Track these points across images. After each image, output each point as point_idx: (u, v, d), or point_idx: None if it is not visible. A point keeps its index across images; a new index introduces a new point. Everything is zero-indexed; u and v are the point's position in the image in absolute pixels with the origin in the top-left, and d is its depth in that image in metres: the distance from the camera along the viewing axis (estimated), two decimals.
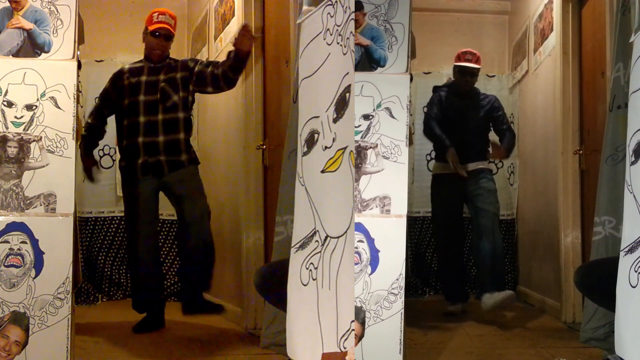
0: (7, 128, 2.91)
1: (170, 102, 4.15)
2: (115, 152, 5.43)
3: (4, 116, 2.93)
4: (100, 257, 5.39)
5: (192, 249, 4.15)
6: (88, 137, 4.35)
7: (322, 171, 2.13)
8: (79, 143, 4.22)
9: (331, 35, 2.15)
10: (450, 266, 4.82)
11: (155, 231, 4.44)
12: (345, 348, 1.95)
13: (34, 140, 2.92)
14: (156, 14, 4.26)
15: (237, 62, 4.03)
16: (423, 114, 5.59)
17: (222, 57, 4.81)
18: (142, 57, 4.33)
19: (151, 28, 4.22)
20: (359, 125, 2.96)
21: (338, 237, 2.03)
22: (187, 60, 4.32)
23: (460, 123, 4.78)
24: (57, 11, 3.02)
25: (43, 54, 2.99)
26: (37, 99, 2.95)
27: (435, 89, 4.97)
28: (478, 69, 4.83)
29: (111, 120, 4.40)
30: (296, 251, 2.25)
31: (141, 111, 4.15)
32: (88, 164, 4.35)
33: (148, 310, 4.24)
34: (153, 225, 4.31)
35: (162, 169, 4.14)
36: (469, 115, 4.82)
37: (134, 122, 4.17)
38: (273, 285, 2.70)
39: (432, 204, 5.00)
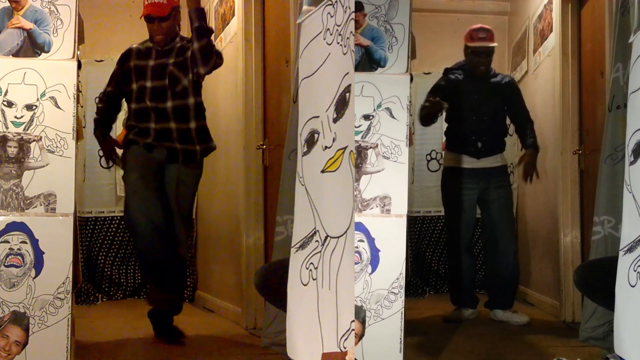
0: (7, 128, 2.91)
1: (180, 87, 3.83)
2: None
3: (4, 116, 2.93)
4: (100, 257, 5.39)
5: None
6: (100, 120, 4.08)
7: (322, 171, 2.13)
8: (93, 131, 4.08)
9: (331, 35, 2.15)
10: (464, 271, 4.43)
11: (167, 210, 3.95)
12: (345, 348, 1.95)
13: (34, 140, 2.92)
14: None
15: (193, 23, 3.71)
16: None
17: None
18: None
19: (142, 14, 3.83)
20: (360, 125, 2.96)
21: (338, 237, 2.03)
22: None
23: (475, 111, 4.36)
24: (57, 11, 3.02)
25: (43, 54, 2.99)
26: (37, 99, 2.95)
27: (447, 71, 4.52)
28: (494, 48, 4.42)
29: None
30: (296, 251, 2.26)
31: (148, 97, 3.85)
32: (106, 147, 4.08)
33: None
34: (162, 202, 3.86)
35: (177, 157, 3.85)
36: (485, 101, 4.39)
37: (143, 108, 3.87)
38: (273, 285, 2.71)
39: (444, 202, 4.56)
